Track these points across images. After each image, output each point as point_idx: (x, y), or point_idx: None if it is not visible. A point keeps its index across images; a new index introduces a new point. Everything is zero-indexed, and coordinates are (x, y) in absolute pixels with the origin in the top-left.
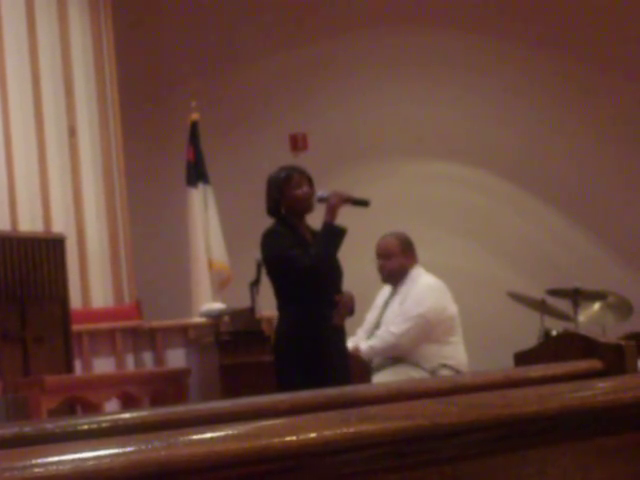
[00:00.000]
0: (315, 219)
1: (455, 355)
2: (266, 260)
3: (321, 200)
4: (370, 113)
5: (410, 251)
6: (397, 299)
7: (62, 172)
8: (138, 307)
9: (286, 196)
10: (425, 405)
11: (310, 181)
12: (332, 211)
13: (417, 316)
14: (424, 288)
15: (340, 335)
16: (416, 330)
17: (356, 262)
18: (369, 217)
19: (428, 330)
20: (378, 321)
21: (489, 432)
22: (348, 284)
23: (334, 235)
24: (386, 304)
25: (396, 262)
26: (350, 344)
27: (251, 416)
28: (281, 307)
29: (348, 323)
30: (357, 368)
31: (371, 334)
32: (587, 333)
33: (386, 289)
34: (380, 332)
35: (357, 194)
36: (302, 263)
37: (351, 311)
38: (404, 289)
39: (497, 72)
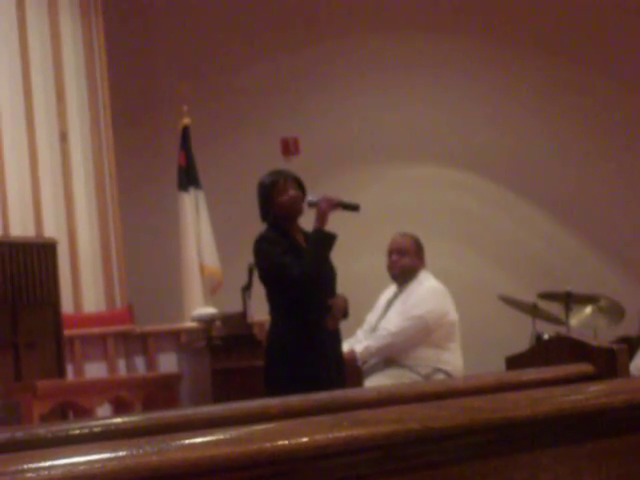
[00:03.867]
0: (307, 222)
1: (452, 361)
2: (258, 267)
3: (311, 205)
4: (362, 117)
5: (422, 254)
6: (401, 299)
7: (53, 177)
8: (130, 312)
9: (273, 203)
10: (416, 409)
11: (299, 184)
12: (322, 217)
13: (416, 317)
14: (428, 291)
15: (335, 339)
16: (413, 330)
17: (347, 266)
18: (361, 221)
19: (426, 333)
20: (379, 321)
21: (480, 436)
22: (340, 288)
23: (324, 242)
24: (389, 304)
25: (409, 260)
26: (346, 346)
27: (243, 421)
28: (273, 313)
29: (348, 324)
30: (349, 372)
31: (370, 335)
32: (579, 337)
33: (389, 290)
34: (378, 332)
35: (349, 198)
36: (293, 271)
37: (345, 314)
38: (409, 290)
39: (489, 75)
